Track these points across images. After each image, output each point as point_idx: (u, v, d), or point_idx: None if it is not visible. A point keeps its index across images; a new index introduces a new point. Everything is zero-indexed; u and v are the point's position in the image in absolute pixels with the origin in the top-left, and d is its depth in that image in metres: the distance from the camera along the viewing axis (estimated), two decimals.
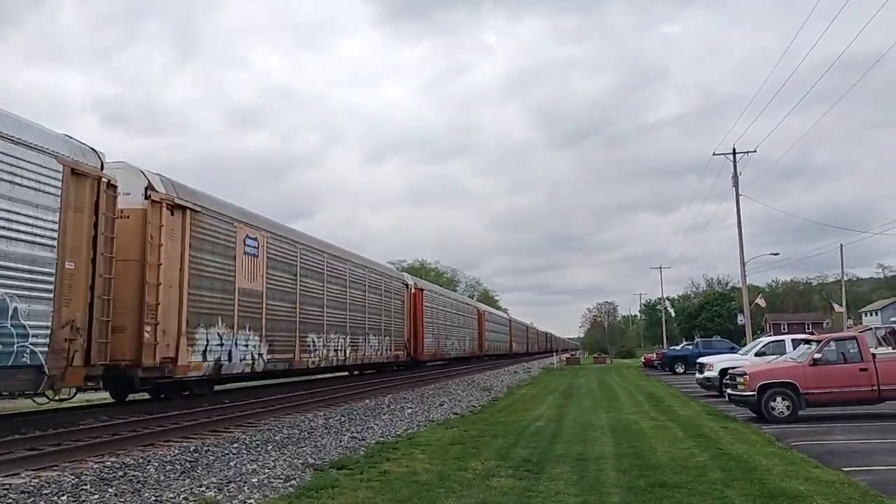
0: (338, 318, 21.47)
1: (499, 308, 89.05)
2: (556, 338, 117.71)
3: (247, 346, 15.52)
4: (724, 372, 18.51)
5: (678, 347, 46.49)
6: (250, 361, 15.65)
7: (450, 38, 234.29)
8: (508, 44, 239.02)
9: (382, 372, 28.61)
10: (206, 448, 9.47)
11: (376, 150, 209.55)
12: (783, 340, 21.48)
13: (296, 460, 8.88)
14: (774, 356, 19.23)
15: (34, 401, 11.21)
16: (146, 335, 12.01)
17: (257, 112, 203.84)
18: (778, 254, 40.32)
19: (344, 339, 21.93)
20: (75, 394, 12.63)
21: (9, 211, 9.12)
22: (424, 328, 32.80)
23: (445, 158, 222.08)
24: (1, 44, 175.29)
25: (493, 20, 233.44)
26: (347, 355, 22.25)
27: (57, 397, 11.33)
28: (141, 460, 8.35)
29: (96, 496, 6.58)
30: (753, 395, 13.73)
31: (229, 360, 14.67)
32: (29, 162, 9.47)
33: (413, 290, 32.40)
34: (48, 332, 9.59)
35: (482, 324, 49.57)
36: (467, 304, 48.75)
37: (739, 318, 58.91)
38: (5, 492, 6.50)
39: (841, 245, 56.38)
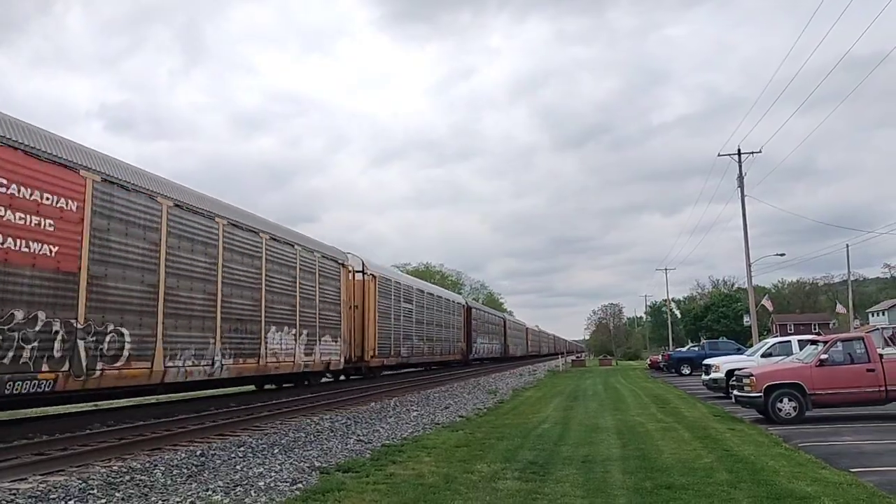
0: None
1: (504, 311, 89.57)
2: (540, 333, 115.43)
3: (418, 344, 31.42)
4: (730, 373, 18.49)
5: (684, 349, 46.39)
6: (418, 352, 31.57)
7: (455, 41, 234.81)
8: (513, 46, 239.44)
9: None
10: (212, 452, 9.48)
11: (381, 154, 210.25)
12: (790, 341, 21.43)
13: (302, 463, 8.89)
14: (781, 357, 19.19)
15: None
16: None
17: (263, 117, 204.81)
18: (784, 254, 40.05)
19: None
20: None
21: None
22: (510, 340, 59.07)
23: (450, 162, 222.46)
24: (7, 49, 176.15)
25: (498, 22, 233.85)
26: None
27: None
28: (148, 464, 8.36)
29: (103, 500, 6.60)
30: (760, 397, 13.69)
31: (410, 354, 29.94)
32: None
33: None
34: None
35: (528, 335, 76.08)
36: (519, 323, 74.10)
37: (745, 319, 58.81)
38: (13, 496, 6.53)
39: (847, 245, 56.22)
